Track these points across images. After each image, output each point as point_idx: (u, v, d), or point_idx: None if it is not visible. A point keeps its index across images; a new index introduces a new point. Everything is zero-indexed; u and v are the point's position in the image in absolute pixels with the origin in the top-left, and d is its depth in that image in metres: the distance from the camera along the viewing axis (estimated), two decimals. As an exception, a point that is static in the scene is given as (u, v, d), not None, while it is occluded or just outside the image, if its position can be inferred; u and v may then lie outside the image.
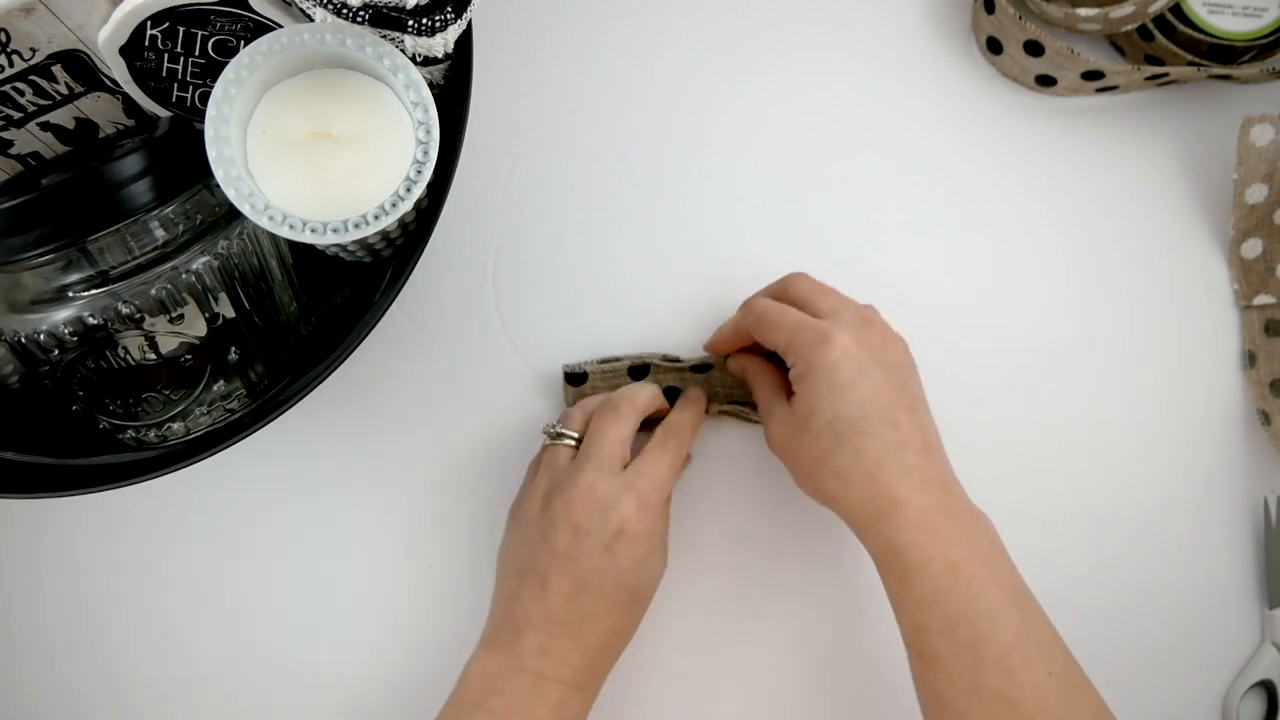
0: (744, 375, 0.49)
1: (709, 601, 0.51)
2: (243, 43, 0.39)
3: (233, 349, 0.43)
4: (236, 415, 0.44)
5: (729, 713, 0.51)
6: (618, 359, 0.51)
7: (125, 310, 0.40)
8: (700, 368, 0.51)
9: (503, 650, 0.44)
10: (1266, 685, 0.51)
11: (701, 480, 0.52)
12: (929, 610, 0.40)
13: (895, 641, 0.43)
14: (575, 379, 0.51)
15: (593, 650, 0.44)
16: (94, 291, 0.40)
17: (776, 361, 0.48)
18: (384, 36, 0.38)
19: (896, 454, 0.41)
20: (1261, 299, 0.53)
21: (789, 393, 0.45)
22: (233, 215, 0.42)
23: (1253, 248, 0.53)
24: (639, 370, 0.51)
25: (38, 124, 0.43)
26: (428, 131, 0.39)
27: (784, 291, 0.47)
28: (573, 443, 0.47)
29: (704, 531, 0.51)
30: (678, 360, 0.51)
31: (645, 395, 0.48)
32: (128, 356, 0.41)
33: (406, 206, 0.39)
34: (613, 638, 0.45)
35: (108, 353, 0.41)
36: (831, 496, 0.43)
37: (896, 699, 0.51)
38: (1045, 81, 0.53)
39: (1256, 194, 0.52)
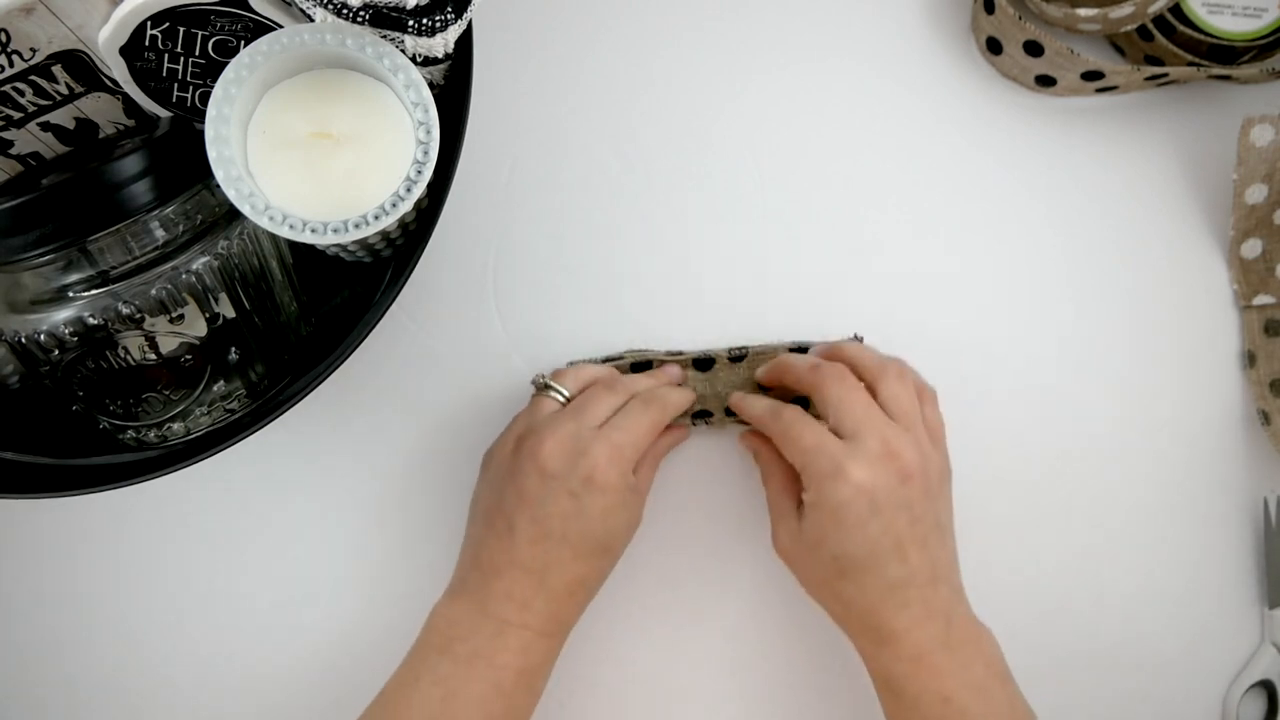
0: (755, 457, 0.49)
1: (683, 571, 0.51)
2: (243, 43, 0.39)
3: (233, 349, 0.43)
4: (236, 415, 0.44)
5: (700, 680, 0.51)
6: (620, 357, 0.51)
7: (125, 310, 0.40)
8: (703, 362, 0.51)
9: (468, 595, 0.44)
10: (1266, 685, 0.51)
11: (689, 462, 0.52)
12: None
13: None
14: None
15: (558, 598, 0.44)
16: (94, 291, 0.40)
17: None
18: (384, 36, 0.38)
19: (900, 590, 0.42)
20: (1261, 299, 0.53)
21: (799, 496, 0.44)
22: (233, 215, 0.42)
23: (1252, 248, 0.53)
24: (641, 367, 0.51)
25: (38, 124, 0.43)
26: (428, 131, 0.39)
27: (816, 389, 0.45)
28: (560, 397, 0.47)
29: (686, 506, 0.51)
30: (680, 353, 0.51)
31: (644, 382, 0.48)
32: (128, 356, 0.41)
33: (406, 206, 0.39)
34: (578, 586, 0.44)
35: (108, 353, 0.41)
36: (833, 615, 0.45)
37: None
38: (1045, 82, 0.53)
39: (1256, 194, 0.52)
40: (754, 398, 0.49)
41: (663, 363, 0.51)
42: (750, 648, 0.51)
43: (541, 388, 0.48)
